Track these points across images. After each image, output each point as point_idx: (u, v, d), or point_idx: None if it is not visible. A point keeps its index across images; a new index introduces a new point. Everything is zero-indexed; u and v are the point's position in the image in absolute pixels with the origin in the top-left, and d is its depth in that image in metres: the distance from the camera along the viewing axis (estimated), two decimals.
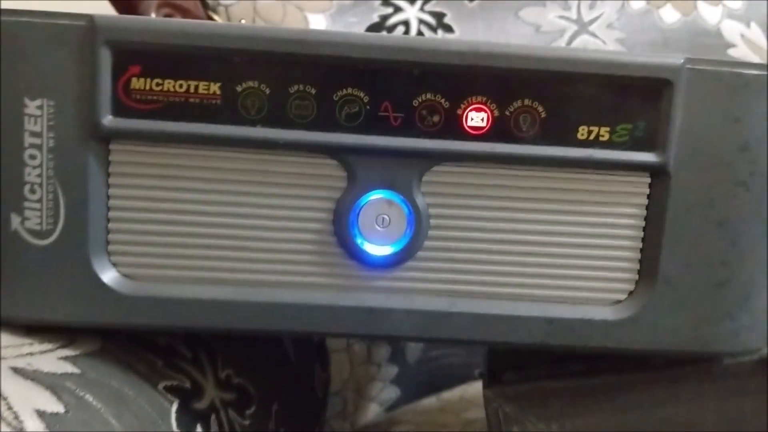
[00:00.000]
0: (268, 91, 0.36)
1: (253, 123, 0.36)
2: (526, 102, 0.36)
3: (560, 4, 0.73)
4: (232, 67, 0.35)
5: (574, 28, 0.70)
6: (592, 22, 0.71)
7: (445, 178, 0.37)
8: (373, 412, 0.80)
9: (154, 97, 0.35)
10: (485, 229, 0.37)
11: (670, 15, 0.71)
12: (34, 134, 0.35)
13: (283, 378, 0.54)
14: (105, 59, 0.35)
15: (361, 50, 0.35)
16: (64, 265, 0.36)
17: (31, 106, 0.35)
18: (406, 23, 0.69)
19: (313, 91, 0.36)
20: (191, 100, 0.36)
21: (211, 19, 0.73)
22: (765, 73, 0.36)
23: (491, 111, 0.36)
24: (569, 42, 0.72)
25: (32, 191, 0.36)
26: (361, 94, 0.36)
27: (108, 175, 0.36)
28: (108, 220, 0.37)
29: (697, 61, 0.36)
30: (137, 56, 0.35)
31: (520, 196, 0.37)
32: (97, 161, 0.36)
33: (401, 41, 0.36)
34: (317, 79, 0.36)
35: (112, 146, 0.36)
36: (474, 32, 0.71)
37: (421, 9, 0.71)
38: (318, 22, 0.71)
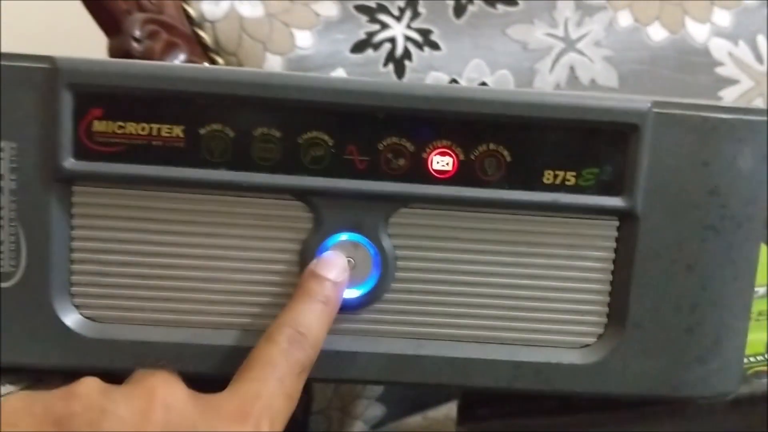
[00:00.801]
0: (232, 134, 0.35)
1: (216, 166, 0.35)
2: (491, 146, 0.36)
3: (548, 22, 0.72)
4: (195, 109, 0.35)
5: (561, 45, 0.69)
6: (579, 39, 0.70)
7: (412, 221, 0.37)
8: (358, 429, 0.80)
9: (117, 140, 0.35)
10: (452, 272, 0.37)
11: (657, 33, 0.70)
12: None
13: None
14: (66, 102, 0.35)
15: (326, 94, 0.35)
16: (26, 308, 0.36)
17: None
18: (392, 40, 0.68)
19: (278, 134, 0.36)
20: (154, 142, 0.35)
21: (197, 35, 0.72)
22: (732, 117, 0.35)
23: (456, 155, 0.36)
24: (556, 60, 0.71)
25: None
26: (326, 137, 0.36)
27: (71, 217, 0.36)
28: (71, 262, 0.36)
29: (664, 105, 0.36)
30: (99, 99, 0.35)
31: (486, 238, 0.37)
32: (59, 203, 0.36)
33: (366, 85, 0.35)
34: (282, 123, 0.35)
35: (74, 188, 0.36)
36: (461, 50, 0.70)
37: (408, 26, 0.69)
38: (304, 39, 0.70)
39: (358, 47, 0.66)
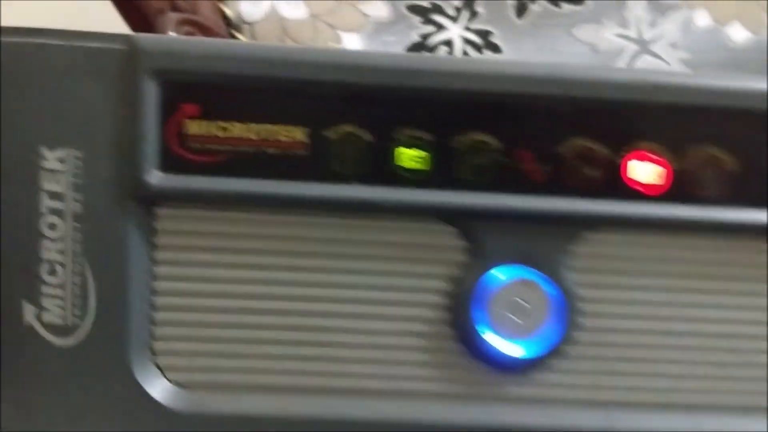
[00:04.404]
0: (369, 138, 0.27)
1: (348, 180, 0.27)
2: (712, 150, 0.27)
3: (618, 21, 0.68)
4: (323, 105, 0.27)
5: (634, 47, 0.64)
6: (653, 40, 0.65)
7: (601, 250, 0.28)
8: None
9: (218, 147, 0.26)
10: (655, 317, 0.29)
11: (738, 33, 0.65)
12: (54, 196, 0.26)
13: None
14: (150, 95, 0.26)
15: (492, 81, 0.26)
16: (93, 371, 0.27)
17: (51, 159, 0.26)
18: (449, 43, 0.63)
19: (429, 137, 0.27)
20: (268, 150, 0.27)
21: (234, 37, 0.66)
22: None
23: (667, 161, 0.27)
24: (629, 63, 0.67)
25: (52, 272, 0.27)
26: (493, 140, 0.27)
27: (154, 249, 0.27)
28: (153, 310, 0.27)
29: None
30: (195, 91, 0.26)
31: (701, 273, 0.28)
32: (139, 231, 0.27)
33: (547, 70, 0.27)
34: (434, 121, 0.27)
35: (159, 211, 0.27)
36: (524, 52, 0.67)
37: (466, 27, 0.65)
38: (352, 42, 0.65)
39: (412, 50, 0.60)
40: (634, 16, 0.66)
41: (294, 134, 0.27)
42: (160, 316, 0.28)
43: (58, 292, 0.27)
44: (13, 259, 0.27)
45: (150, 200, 0.27)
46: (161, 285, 0.28)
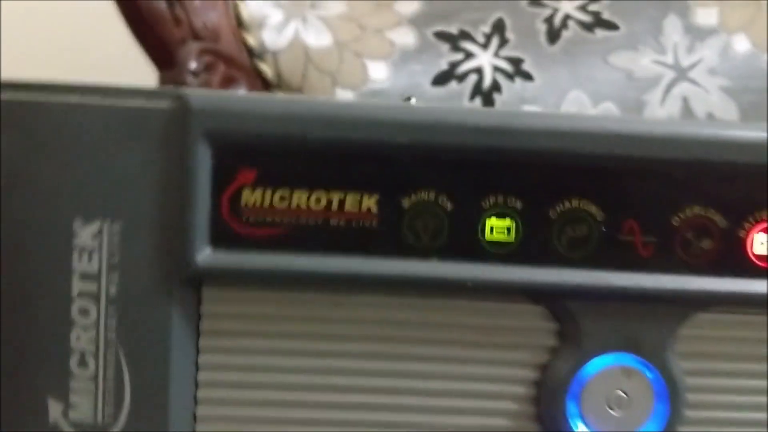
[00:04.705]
0: (450, 207, 0.23)
1: (425, 255, 0.23)
2: None
3: (654, 48, 0.66)
4: (397, 169, 0.23)
5: (671, 74, 0.62)
6: (691, 67, 0.63)
7: (715, 333, 0.25)
8: None
9: (276, 218, 0.23)
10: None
11: None
12: (87, 277, 0.23)
13: None
14: (203, 160, 0.22)
15: (597, 141, 0.23)
16: None
17: (85, 233, 0.23)
18: (478, 71, 0.61)
19: (519, 205, 0.23)
20: (332, 221, 0.23)
21: (257, 68, 0.63)
22: None
23: None
24: (667, 90, 0.65)
25: (82, 364, 0.23)
26: (593, 209, 0.23)
27: (199, 337, 0.23)
28: (197, 405, 0.23)
29: None
30: (253, 156, 0.22)
31: None
32: (183, 318, 0.23)
33: (660, 128, 0.23)
34: (525, 187, 0.23)
35: (207, 293, 0.23)
36: (557, 80, 0.64)
37: (496, 54, 0.63)
38: (379, 71, 0.63)
39: (440, 79, 0.59)
40: (671, 41, 0.64)
41: (363, 203, 0.23)
42: (203, 411, 0.24)
43: (88, 386, 0.23)
44: (38, 348, 0.23)
45: (198, 281, 0.23)
46: (207, 376, 0.24)
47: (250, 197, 0.23)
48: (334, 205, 0.23)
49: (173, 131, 0.22)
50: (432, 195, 0.23)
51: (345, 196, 0.23)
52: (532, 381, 0.25)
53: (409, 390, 0.24)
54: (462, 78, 0.62)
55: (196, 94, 0.22)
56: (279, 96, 0.23)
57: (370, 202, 0.23)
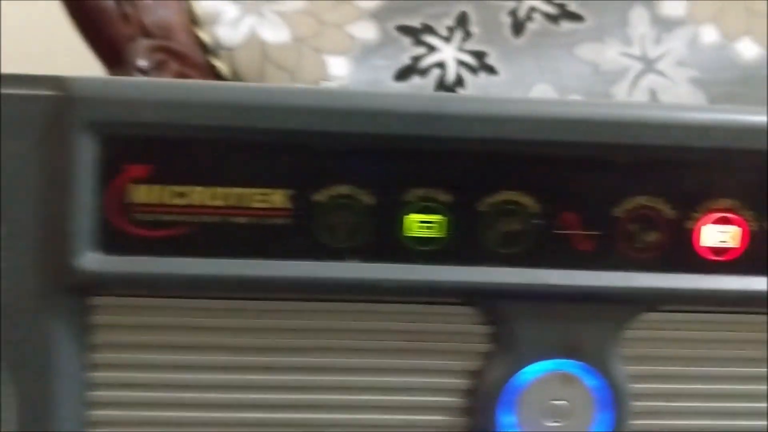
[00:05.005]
0: (368, 201, 0.21)
1: (342, 255, 0.21)
2: None
3: (621, 39, 0.65)
4: (309, 162, 0.20)
5: (638, 66, 0.61)
6: (659, 59, 0.63)
7: (662, 334, 0.23)
8: None
9: (173, 218, 0.20)
10: (724, 413, 0.23)
11: (748, 49, 0.62)
12: None
13: None
14: (87, 153, 0.20)
15: (531, 127, 0.21)
16: None
17: None
18: (441, 65, 0.60)
19: (445, 198, 0.21)
20: (237, 219, 0.20)
21: (212, 66, 0.61)
22: None
23: (746, 223, 0.21)
24: (634, 82, 0.64)
25: None
26: (527, 200, 0.21)
27: (90, 349, 0.21)
28: (87, 426, 0.21)
29: None
30: (144, 148, 0.20)
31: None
32: (69, 330, 0.21)
33: (599, 111, 0.21)
34: (451, 178, 0.21)
35: (98, 302, 0.21)
36: (522, 73, 0.63)
37: (460, 48, 0.61)
38: (339, 66, 0.62)
39: (403, 74, 0.57)
40: (638, 33, 0.63)
41: (272, 199, 0.21)
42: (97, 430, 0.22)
43: None
44: None
45: (84, 288, 0.21)
46: (99, 395, 0.21)
47: (142, 194, 0.20)
48: (238, 201, 0.21)
49: (55, 121, 0.20)
50: (348, 189, 0.21)
51: (251, 192, 0.21)
52: (464, 390, 0.23)
53: (324, 405, 0.22)
54: (425, 72, 0.60)
55: (80, 79, 0.20)
56: (174, 81, 0.21)
57: (278, 198, 0.21)
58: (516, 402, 0.22)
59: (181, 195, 0.21)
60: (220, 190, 0.21)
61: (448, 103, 0.21)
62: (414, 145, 0.21)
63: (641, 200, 0.21)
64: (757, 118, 0.21)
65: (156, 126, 0.20)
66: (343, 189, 0.21)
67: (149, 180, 0.20)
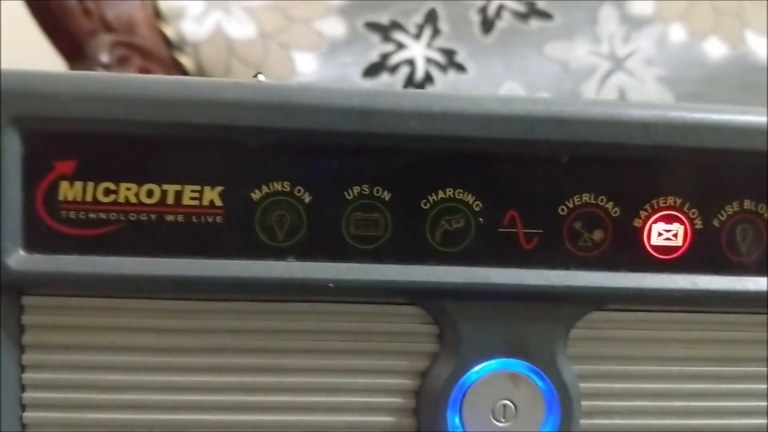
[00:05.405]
0: (308, 199, 0.20)
1: (281, 254, 0.20)
2: (748, 205, 0.21)
3: (590, 38, 0.65)
4: (246, 158, 0.20)
5: (607, 65, 0.62)
6: (627, 57, 0.63)
7: (610, 333, 0.23)
8: None
9: (103, 216, 0.20)
10: (674, 412, 0.22)
11: (715, 49, 0.63)
12: None
13: None
14: (12, 149, 0.19)
15: (473, 124, 0.20)
16: None
17: None
18: (411, 62, 0.60)
19: (386, 196, 0.20)
20: (169, 217, 0.20)
21: (176, 61, 0.60)
22: None
23: (690, 221, 0.21)
24: (602, 81, 0.64)
25: None
26: (469, 198, 0.21)
27: (21, 350, 0.20)
28: (22, 426, 0.20)
29: None
30: (71, 143, 0.19)
31: (732, 356, 0.22)
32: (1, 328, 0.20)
33: (538, 108, 0.20)
34: (392, 176, 0.20)
35: (28, 302, 0.20)
36: (491, 72, 0.63)
37: (429, 46, 0.61)
38: (306, 63, 0.61)
39: (371, 71, 0.58)
40: (606, 31, 0.63)
41: (205, 196, 0.20)
42: None
43: None
44: None
45: (13, 288, 0.20)
46: (31, 397, 0.21)
47: (70, 191, 0.20)
48: (170, 198, 0.20)
49: None
50: (287, 186, 0.20)
51: (182, 189, 0.20)
52: (410, 390, 0.22)
53: (267, 407, 0.22)
54: (394, 70, 0.60)
55: (4, 73, 0.19)
56: (102, 75, 0.20)
57: (213, 195, 0.20)
58: (463, 402, 0.22)
59: (109, 192, 0.20)
60: (150, 187, 0.20)
61: (384, 98, 0.21)
62: (352, 141, 0.20)
63: (585, 198, 0.21)
64: (699, 116, 0.21)
65: (83, 121, 0.19)
66: (281, 186, 0.20)
67: (77, 177, 0.20)
